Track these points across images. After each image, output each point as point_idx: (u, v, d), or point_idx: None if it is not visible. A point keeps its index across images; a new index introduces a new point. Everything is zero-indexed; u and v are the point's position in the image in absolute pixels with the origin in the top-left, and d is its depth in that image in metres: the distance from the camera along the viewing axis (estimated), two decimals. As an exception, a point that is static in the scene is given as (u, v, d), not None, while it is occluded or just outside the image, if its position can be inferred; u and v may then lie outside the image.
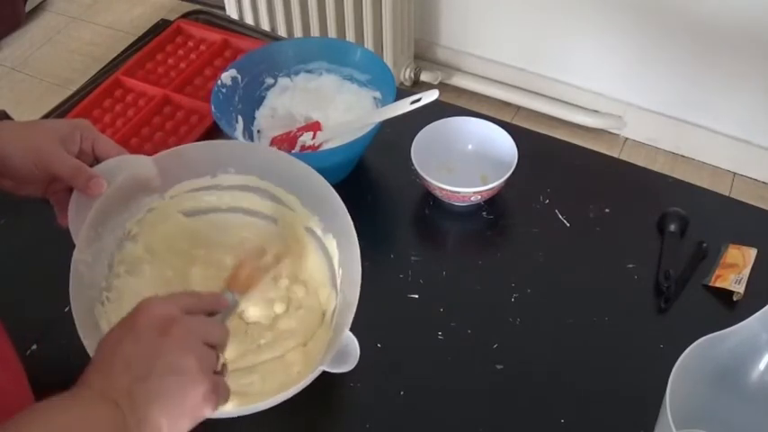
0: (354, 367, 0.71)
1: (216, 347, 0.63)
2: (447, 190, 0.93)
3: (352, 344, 0.71)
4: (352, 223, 0.76)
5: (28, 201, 0.78)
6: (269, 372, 0.79)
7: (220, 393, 0.61)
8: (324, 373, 0.71)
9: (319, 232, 0.84)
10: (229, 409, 0.73)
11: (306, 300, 0.84)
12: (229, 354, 0.77)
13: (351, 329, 0.72)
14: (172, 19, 1.29)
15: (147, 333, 0.59)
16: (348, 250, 0.77)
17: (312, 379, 0.71)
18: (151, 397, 0.57)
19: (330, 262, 0.83)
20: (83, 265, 0.73)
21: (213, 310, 0.68)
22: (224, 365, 0.65)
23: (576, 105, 2.17)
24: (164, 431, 0.58)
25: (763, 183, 2.05)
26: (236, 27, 1.29)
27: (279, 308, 0.83)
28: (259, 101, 1.07)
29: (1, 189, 0.76)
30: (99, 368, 0.59)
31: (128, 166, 0.77)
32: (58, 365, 0.78)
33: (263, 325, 0.83)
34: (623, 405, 0.79)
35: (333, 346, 0.72)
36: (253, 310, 0.83)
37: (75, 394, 0.57)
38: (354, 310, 0.72)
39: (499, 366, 0.83)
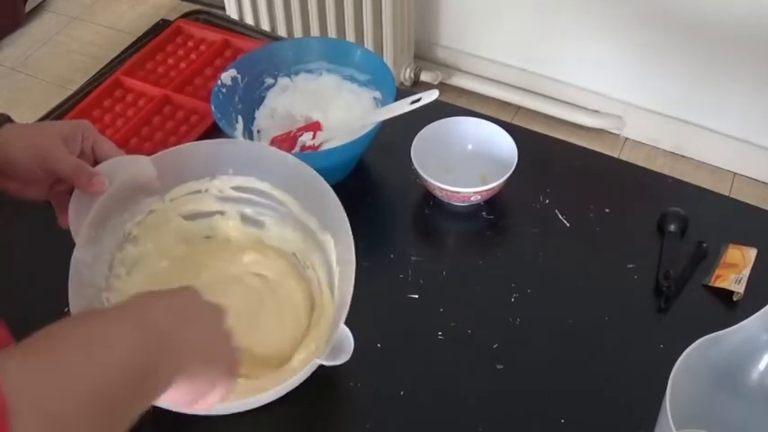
0: (354, 367, 0.71)
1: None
2: (447, 190, 0.93)
3: (347, 338, 0.71)
4: (347, 221, 0.76)
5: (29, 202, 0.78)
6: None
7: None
8: (323, 373, 0.71)
9: (317, 231, 0.84)
10: (224, 404, 0.73)
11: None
12: None
13: (350, 328, 0.72)
14: (172, 19, 1.29)
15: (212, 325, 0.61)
16: (344, 249, 0.78)
17: (309, 372, 0.71)
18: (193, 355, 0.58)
19: (328, 260, 0.83)
20: (82, 265, 0.73)
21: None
22: None
23: (576, 105, 2.17)
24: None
25: (763, 183, 2.05)
26: (236, 27, 1.29)
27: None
28: (259, 101, 1.07)
29: (6, 192, 0.76)
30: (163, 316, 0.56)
31: (126, 166, 0.77)
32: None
33: None
34: (623, 405, 0.79)
35: (329, 341, 0.72)
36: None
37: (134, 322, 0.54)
38: (348, 306, 0.72)
39: (499, 366, 0.83)
